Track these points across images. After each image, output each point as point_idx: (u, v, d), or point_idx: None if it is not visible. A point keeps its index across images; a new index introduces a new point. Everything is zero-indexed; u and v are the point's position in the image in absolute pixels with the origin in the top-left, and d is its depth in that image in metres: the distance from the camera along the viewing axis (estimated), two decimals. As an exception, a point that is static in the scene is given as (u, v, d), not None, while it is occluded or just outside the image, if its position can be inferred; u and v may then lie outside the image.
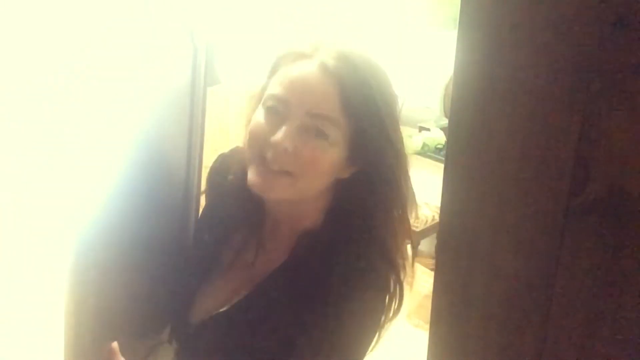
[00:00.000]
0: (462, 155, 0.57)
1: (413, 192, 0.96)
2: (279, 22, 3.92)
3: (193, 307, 0.99)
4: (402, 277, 0.94)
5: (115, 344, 0.83)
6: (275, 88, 0.87)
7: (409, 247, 0.99)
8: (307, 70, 0.85)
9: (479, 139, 0.55)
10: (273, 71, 0.91)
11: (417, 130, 3.54)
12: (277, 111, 0.86)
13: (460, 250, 0.58)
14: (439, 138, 3.38)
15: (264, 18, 3.89)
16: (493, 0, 0.51)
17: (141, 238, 0.97)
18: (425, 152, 3.40)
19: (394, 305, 0.95)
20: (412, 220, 0.97)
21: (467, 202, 0.58)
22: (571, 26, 0.48)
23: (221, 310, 0.94)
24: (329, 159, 0.86)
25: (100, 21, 0.79)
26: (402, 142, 0.94)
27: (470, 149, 0.56)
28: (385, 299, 0.91)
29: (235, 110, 3.18)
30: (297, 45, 0.90)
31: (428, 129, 3.48)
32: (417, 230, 3.30)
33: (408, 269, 0.96)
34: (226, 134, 2.81)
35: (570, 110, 0.49)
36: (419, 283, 3.13)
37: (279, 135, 0.84)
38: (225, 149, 1.13)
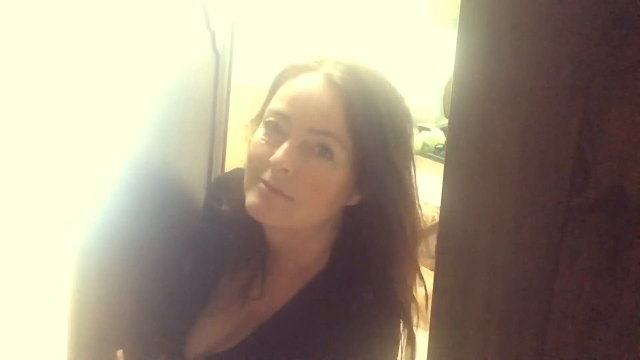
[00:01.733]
0: (462, 155, 0.57)
1: (421, 230, 0.87)
2: (287, 23, 3.93)
3: (189, 341, 0.92)
4: (413, 321, 0.87)
5: (120, 352, 0.79)
6: (277, 103, 0.81)
7: (421, 288, 0.89)
8: (311, 83, 0.79)
9: (479, 139, 0.55)
10: (275, 87, 0.85)
11: (417, 130, 3.54)
12: (278, 128, 0.80)
13: (460, 250, 0.58)
14: (439, 138, 3.38)
15: (276, 18, 3.90)
16: (493, 0, 0.51)
17: (150, 250, 0.95)
18: (425, 152, 3.40)
19: (406, 351, 0.88)
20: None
21: (467, 202, 0.58)
22: (571, 26, 0.48)
23: (218, 351, 0.87)
24: (334, 181, 0.79)
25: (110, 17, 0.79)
26: (409, 172, 0.86)
27: (470, 149, 0.56)
28: (395, 346, 0.85)
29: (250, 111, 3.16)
30: (301, 59, 0.85)
31: (428, 129, 3.48)
32: (417, 230, 3.30)
33: (420, 311, 0.88)
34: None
35: (570, 111, 0.49)
36: (419, 283, 3.13)
37: (278, 154, 0.77)
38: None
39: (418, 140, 3.40)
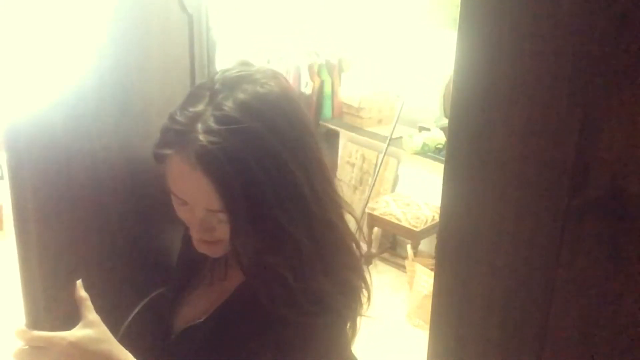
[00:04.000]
0: (462, 155, 0.57)
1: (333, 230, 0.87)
2: (278, 20, 3.93)
3: (178, 313, 0.99)
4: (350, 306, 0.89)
5: (79, 282, 0.82)
6: (171, 184, 0.84)
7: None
8: (181, 170, 0.81)
9: (479, 139, 0.55)
10: (160, 158, 0.85)
11: (417, 130, 3.55)
12: (184, 203, 0.85)
13: (460, 249, 0.58)
14: (439, 138, 3.38)
15: (265, 14, 3.90)
16: (493, 1, 0.51)
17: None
18: (425, 152, 3.39)
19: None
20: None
21: (467, 202, 0.58)
22: (571, 25, 0.48)
23: (198, 321, 0.93)
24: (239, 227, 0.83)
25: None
26: (306, 187, 0.83)
27: (470, 149, 0.56)
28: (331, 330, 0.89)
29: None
30: (164, 136, 0.83)
31: (428, 129, 3.48)
32: (417, 230, 3.30)
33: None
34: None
35: (570, 111, 0.49)
36: (419, 283, 3.13)
37: (193, 233, 0.86)
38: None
39: (418, 140, 3.40)
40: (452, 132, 0.57)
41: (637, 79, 0.46)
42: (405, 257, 3.50)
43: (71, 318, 0.80)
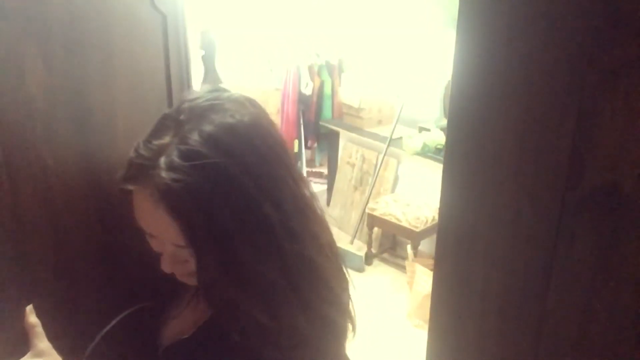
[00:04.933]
0: (460, 151, 0.58)
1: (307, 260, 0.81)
2: (279, 21, 3.94)
3: (164, 328, 0.95)
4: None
5: (30, 307, 0.78)
6: (137, 217, 0.80)
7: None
8: (144, 206, 0.78)
9: (477, 136, 0.56)
10: (125, 191, 0.81)
11: (417, 130, 3.55)
12: (152, 235, 0.81)
13: (459, 243, 0.59)
14: (439, 138, 3.38)
15: (263, 16, 3.91)
16: (490, 1, 0.52)
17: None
18: (425, 152, 3.40)
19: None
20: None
21: (465, 198, 0.59)
22: (565, 24, 0.49)
23: (184, 337, 0.89)
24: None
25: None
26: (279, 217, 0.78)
27: (468, 145, 0.57)
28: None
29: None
30: (127, 170, 0.79)
31: (428, 129, 3.48)
32: (417, 230, 3.31)
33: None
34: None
35: (566, 108, 0.50)
36: (419, 283, 3.14)
37: (165, 266, 0.83)
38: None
39: (418, 140, 3.40)
40: (451, 128, 0.58)
41: (631, 75, 0.47)
42: (405, 257, 3.50)
43: (19, 346, 0.76)
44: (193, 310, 0.93)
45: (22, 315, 0.76)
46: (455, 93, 0.57)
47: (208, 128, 0.75)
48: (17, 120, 0.75)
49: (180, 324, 0.94)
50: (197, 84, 3.82)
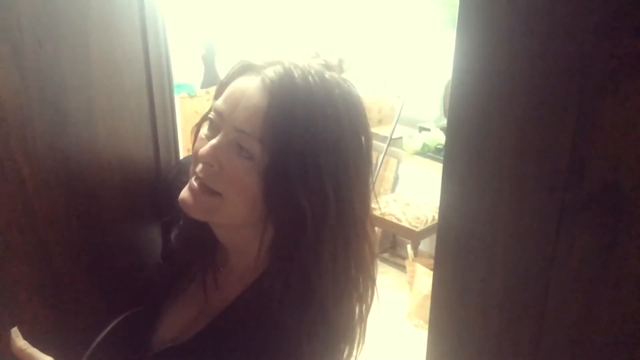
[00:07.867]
0: (460, 152, 0.58)
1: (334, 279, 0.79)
2: (279, 21, 3.94)
3: (157, 332, 0.93)
4: (342, 334, 0.85)
5: (15, 329, 0.74)
6: (218, 100, 0.79)
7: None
8: (248, 84, 0.77)
9: (476, 137, 0.56)
10: (224, 84, 0.82)
11: (417, 130, 3.55)
12: (214, 124, 0.79)
13: (459, 243, 0.59)
14: (439, 138, 3.39)
15: (263, 17, 3.90)
16: (490, 1, 0.52)
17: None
18: (425, 152, 3.40)
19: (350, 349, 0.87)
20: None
21: (465, 198, 0.59)
22: (566, 24, 0.49)
23: (178, 342, 0.87)
24: (254, 182, 0.76)
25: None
26: (347, 183, 0.77)
27: (468, 146, 0.57)
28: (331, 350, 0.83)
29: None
30: (251, 58, 0.80)
31: (428, 129, 3.49)
32: (417, 230, 3.31)
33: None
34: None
35: (565, 108, 0.50)
36: (419, 283, 3.14)
37: (205, 148, 0.77)
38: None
39: (418, 140, 3.41)
40: (451, 128, 0.58)
41: (631, 75, 0.47)
42: (405, 257, 3.50)
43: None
44: (187, 308, 0.92)
45: (8, 341, 0.73)
46: (455, 93, 0.57)
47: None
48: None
49: (175, 327, 0.92)
50: (197, 84, 3.82)
